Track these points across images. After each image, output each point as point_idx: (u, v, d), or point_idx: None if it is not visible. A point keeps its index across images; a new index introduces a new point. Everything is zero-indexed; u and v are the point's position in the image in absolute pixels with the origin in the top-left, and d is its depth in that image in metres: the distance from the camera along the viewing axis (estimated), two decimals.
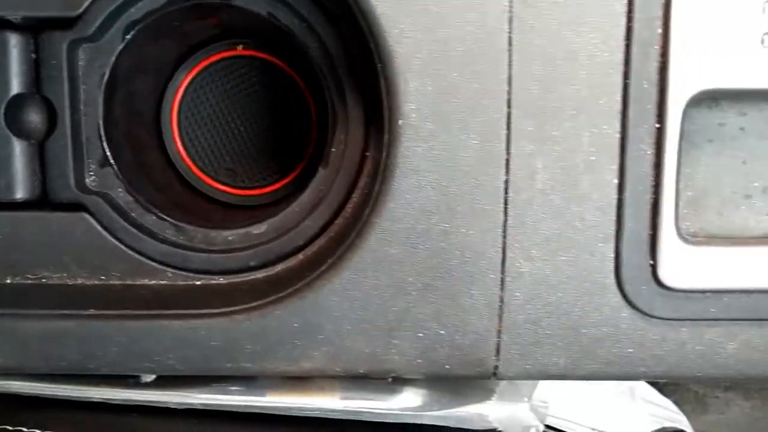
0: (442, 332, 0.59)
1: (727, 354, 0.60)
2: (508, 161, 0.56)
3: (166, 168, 0.77)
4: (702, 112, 0.58)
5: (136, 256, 0.64)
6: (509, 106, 0.55)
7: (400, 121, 0.55)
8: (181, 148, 0.79)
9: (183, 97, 0.79)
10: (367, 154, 0.62)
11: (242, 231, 0.67)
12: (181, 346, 0.59)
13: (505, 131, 0.55)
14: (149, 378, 0.62)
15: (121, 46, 0.65)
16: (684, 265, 0.57)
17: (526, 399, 0.71)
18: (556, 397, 0.85)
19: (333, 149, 0.65)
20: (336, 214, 0.64)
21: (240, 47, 0.78)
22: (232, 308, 0.59)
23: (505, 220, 0.57)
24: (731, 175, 0.59)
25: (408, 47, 0.54)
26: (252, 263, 0.65)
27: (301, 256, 0.65)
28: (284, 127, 0.80)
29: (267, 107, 0.80)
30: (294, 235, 0.65)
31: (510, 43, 0.54)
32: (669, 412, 0.92)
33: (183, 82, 0.79)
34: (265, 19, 0.65)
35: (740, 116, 0.59)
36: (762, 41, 0.53)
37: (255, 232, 0.67)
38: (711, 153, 0.59)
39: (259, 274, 0.65)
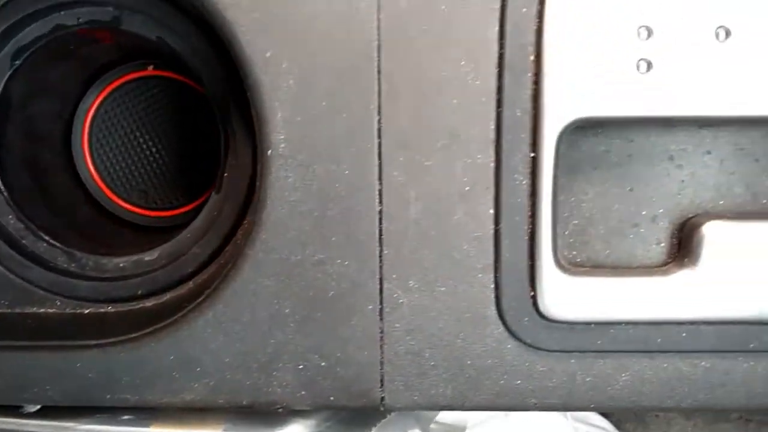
0: (323, 364, 0.58)
1: (620, 386, 0.58)
2: (380, 191, 0.55)
3: (74, 190, 0.76)
4: (587, 139, 0.57)
5: (24, 284, 0.63)
6: (380, 136, 0.54)
7: (269, 151, 0.54)
8: (92, 170, 0.78)
9: (94, 118, 0.78)
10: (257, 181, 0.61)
11: (134, 258, 0.66)
12: (59, 378, 0.58)
13: (376, 161, 0.54)
14: (33, 408, 0.61)
15: (10, 72, 0.64)
16: (565, 296, 0.55)
17: (415, 424, 0.70)
18: (481, 414, 0.84)
19: (225, 174, 0.64)
20: (226, 241, 0.63)
21: (150, 67, 0.77)
22: (107, 340, 0.58)
23: (381, 251, 0.55)
24: (618, 203, 0.58)
25: (275, 77, 0.53)
26: (140, 291, 0.64)
27: (191, 284, 0.64)
28: (197, 148, 0.79)
29: (180, 128, 0.79)
30: (183, 262, 0.64)
31: (379, 72, 0.53)
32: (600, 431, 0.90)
33: (94, 103, 0.78)
34: (157, 42, 0.65)
35: (627, 143, 0.57)
36: (638, 67, 0.52)
37: (147, 258, 0.66)
38: (597, 181, 0.57)
39: (148, 303, 0.64)
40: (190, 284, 0.64)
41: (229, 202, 0.63)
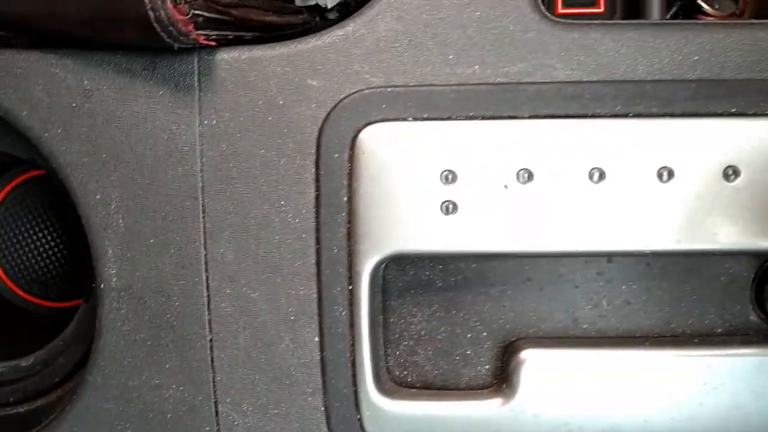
0: None
1: None
2: (210, 321, 0.57)
3: None
4: (414, 264, 0.59)
5: None
6: (207, 270, 0.57)
7: (102, 285, 0.57)
8: None
9: None
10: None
11: (12, 363, 0.69)
12: None
13: (205, 293, 0.57)
14: None
15: None
16: (388, 418, 0.58)
17: None
18: None
19: (93, 284, 0.68)
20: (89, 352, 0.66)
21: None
22: None
23: (214, 377, 0.58)
24: (445, 325, 0.60)
25: (105, 217, 0.56)
26: (13, 398, 0.67)
27: (59, 391, 0.67)
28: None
29: (75, 224, 0.82)
30: (52, 370, 0.67)
31: (204, 211, 0.56)
32: None
33: None
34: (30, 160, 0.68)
35: (450, 270, 0.59)
36: (441, 209, 0.54)
37: (23, 364, 0.69)
38: (425, 304, 0.60)
39: (21, 409, 0.67)
40: (59, 392, 0.67)
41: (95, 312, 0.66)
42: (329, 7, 0.71)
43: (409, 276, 0.60)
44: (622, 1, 0.63)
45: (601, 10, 0.64)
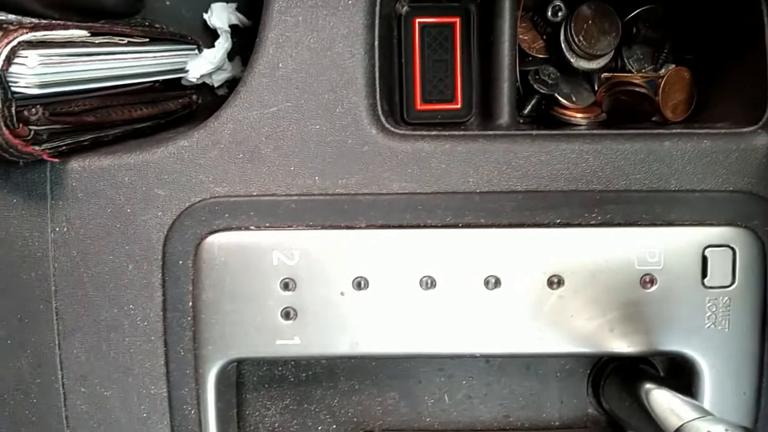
0: None
1: None
2: (67, 417, 0.60)
3: None
4: (260, 364, 0.62)
5: None
6: (62, 370, 0.59)
7: None
8: None
9: None
10: None
11: None
12: None
13: (61, 391, 0.59)
14: None
15: None
16: None
17: None
18: None
19: None
20: None
21: None
22: None
23: None
24: (297, 417, 0.62)
25: None
26: None
27: None
28: None
29: None
30: None
31: (56, 314, 0.58)
32: None
33: None
34: None
35: (295, 369, 0.62)
36: (281, 315, 0.56)
37: None
38: (278, 398, 0.62)
39: None
40: None
41: None
42: (216, 85, 0.74)
43: (263, 371, 0.62)
44: (478, 98, 0.66)
45: (459, 106, 0.66)
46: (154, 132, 0.65)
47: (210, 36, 0.73)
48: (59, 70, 0.54)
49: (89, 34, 0.56)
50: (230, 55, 0.73)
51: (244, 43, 0.73)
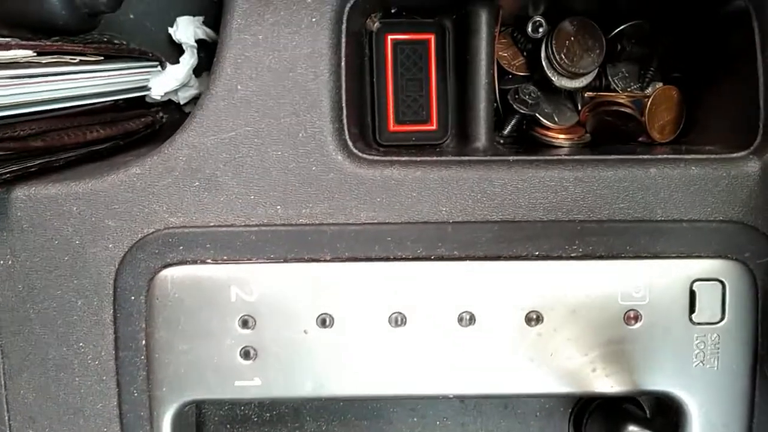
0: None
1: None
2: None
3: None
4: (221, 404, 0.58)
5: None
6: (8, 411, 0.55)
7: None
8: None
9: None
10: None
11: None
12: None
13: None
14: None
15: None
16: None
17: None
18: None
19: None
20: None
21: None
22: None
23: None
24: None
25: None
26: None
27: None
28: None
29: None
30: None
31: (2, 351, 0.55)
32: None
33: None
34: None
35: (258, 408, 0.58)
36: (240, 354, 0.53)
37: None
38: None
39: None
40: None
41: None
42: (183, 102, 0.70)
43: (225, 411, 0.58)
44: (454, 119, 0.63)
45: (434, 127, 0.63)
46: (111, 154, 0.61)
47: (177, 50, 0.69)
48: (1, 94, 0.50)
49: (35, 54, 0.53)
50: (197, 71, 0.69)
51: (213, 59, 0.70)
